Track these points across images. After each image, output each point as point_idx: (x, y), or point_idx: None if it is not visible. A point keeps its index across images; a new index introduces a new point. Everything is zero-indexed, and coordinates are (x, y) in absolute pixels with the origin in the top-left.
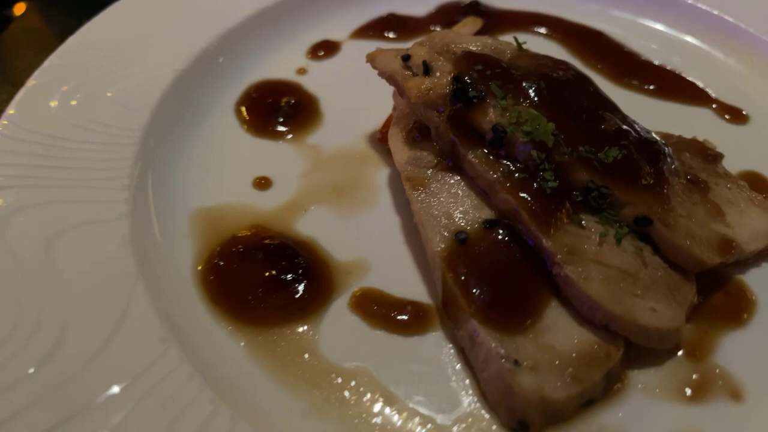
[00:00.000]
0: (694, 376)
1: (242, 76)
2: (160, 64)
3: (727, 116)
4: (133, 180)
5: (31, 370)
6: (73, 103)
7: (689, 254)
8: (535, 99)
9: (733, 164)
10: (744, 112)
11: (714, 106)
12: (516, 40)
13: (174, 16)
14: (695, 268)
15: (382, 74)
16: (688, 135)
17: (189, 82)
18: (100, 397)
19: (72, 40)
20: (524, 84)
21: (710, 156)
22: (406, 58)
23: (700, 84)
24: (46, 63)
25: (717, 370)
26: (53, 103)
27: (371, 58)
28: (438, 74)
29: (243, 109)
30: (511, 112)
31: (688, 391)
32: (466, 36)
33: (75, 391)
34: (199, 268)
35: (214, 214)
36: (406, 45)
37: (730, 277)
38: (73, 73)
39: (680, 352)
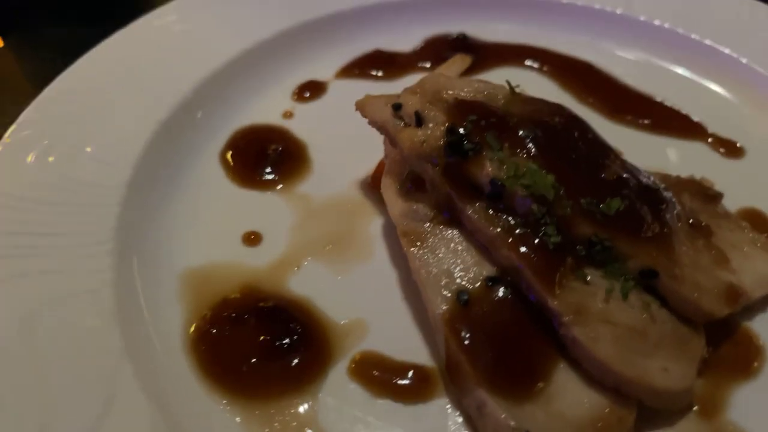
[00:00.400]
0: None
1: (226, 123)
2: (140, 115)
3: (722, 149)
4: (117, 244)
5: None
6: (50, 159)
7: (697, 306)
8: (533, 149)
9: (731, 201)
10: (739, 145)
11: (710, 140)
12: (509, 83)
13: (153, 64)
14: (703, 320)
15: (372, 123)
16: (684, 171)
17: (171, 133)
18: None
19: (47, 92)
20: (520, 133)
21: (709, 196)
22: (397, 107)
23: (695, 117)
24: (21, 117)
25: (730, 427)
26: (29, 160)
27: (360, 107)
28: (431, 125)
29: (229, 158)
30: (508, 165)
31: None
32: (457, 80)
33: None
34: (190, 332)
35: (203, 275)
36: (394, 84)
37: (736, 324)
38: (49, 127)
39: (692, 410)
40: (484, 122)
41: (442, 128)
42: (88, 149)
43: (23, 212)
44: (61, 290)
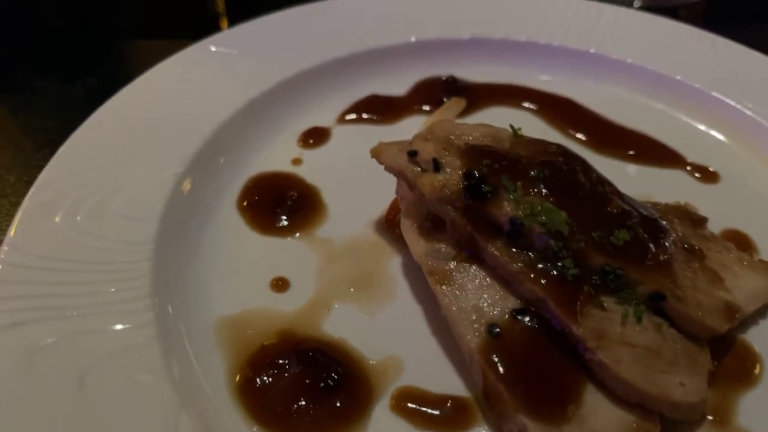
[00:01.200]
0: None
1: (240, 172)
2: (158, 169)
3: (698, 175)
4: (154, 298)
5: None
6: (78, 218)
7: (702, 324)
8: (544, 189)
9: (713, 223)
10: (713, 170)
11: (688, 168)
12: (512, 127)
13: (164, 117)
14: (707, 336)
15: (389, 170)
16: (667, 198)
17: (190, 184)
18: None
19: (64, 151)
20: (531, 174)
21: (696, 220)
22: (412, 153)
23: (672, 147)
24: (41, 178)
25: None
26: (57, 220)
27: (376, 154)
28: (448, 170)
29: (246, 206)
30: (524, 204)
31: None
32: (463, 126)
33: None
34: (237, 381)
35: (239, 323)
36: (392, 127)
37: (734, 338)
38: (71, 186)
39: (707, 419)
40: (497, 165)
41: (459, 173)
42: (114, 206)
43: (58, 273)
44: (107, 348)
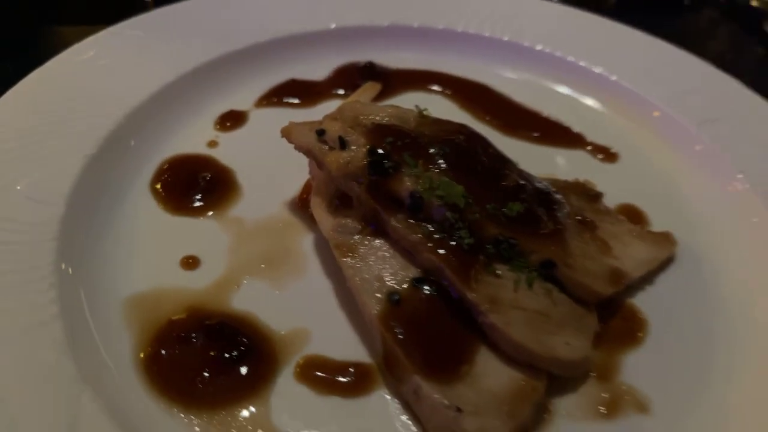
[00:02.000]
0: (605, 396)
1: (153, 155)
2: (68, 152)
3: (600, 155)
4: (58, 277)
5: None
6: None
7: (589, 289)
8: (444, 165)
9: (610, 199)
10: (613, 151)
11: (589, 147)
12: (417, 107)
13: (76, 99)
14: (594, 300)
15: (298, 148)
16: (570, 175)
17: (100, 166)
18: None
19: None
20: (432, 151)
21: (592, 196)
22: (320, 132)
23: (576, 129)
24: None
25: (624, 387)
26: None
27: (286, 133)
28: (353, 147)
29: (159, 188)
30: (424, 179)
31: (603, 410)
32: (372, 107)
33: None
34: (141, 358)
35: (147, 301)
36: (311, 111)
37: (622, 302)
38: None
39: (591, 375)
40: (400, 143)
41: (364, 150)
42: (19, 188)
43: None
44: (10, 326)
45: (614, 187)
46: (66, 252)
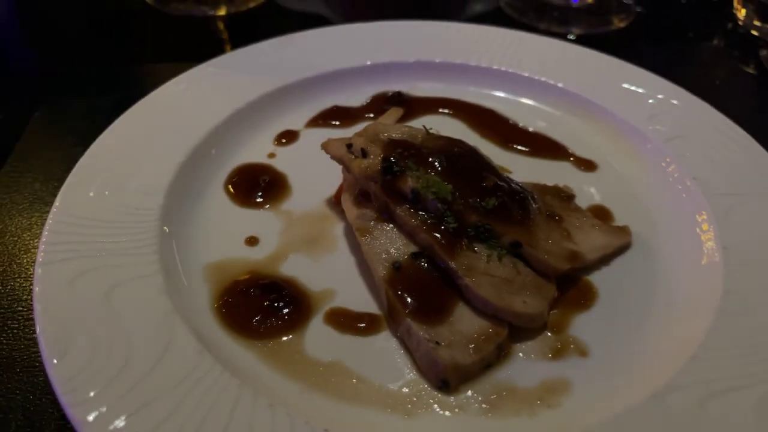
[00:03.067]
0: (556, 344)
1: (227, 162)
2: (165, 159)
3: (582, 167)
4: (159, 246)
5: (103, 386)
6: (106, 193)
7: (547, 264)
8: (438, 169)
9: (586, 201)
10: (593, 162)
11: (571, 159)
12: (424, 127)
13: (170, 121)
14: (553, 274)
15: (333, 158)
16: (552, 182)
17: (188, 171)
18: (159, 397)
19: (96, 145)
20: (430, 159)
21: (565, 197)
22: (349, 146)
23: (561, 143)
24: (79, 163)
25: (570, 338)
26: (91, 194)
27: (324, 147)
28: (372, 156)
29: (230, 187)
30: (422, 179)
31: (550, 354)
32: (389, 126)
33: (141, 394)
34: (215, 305)
35: (220, 266)
36: (348, 130)
37: (580, 278)
38: (101, 170)
39: (547, 330)
40: (406, 153)
41: (380, 158)
42: (132, 184)
43: (93, 228)
44: (126, 276)
45: (590, 191)
46: (164, 228)
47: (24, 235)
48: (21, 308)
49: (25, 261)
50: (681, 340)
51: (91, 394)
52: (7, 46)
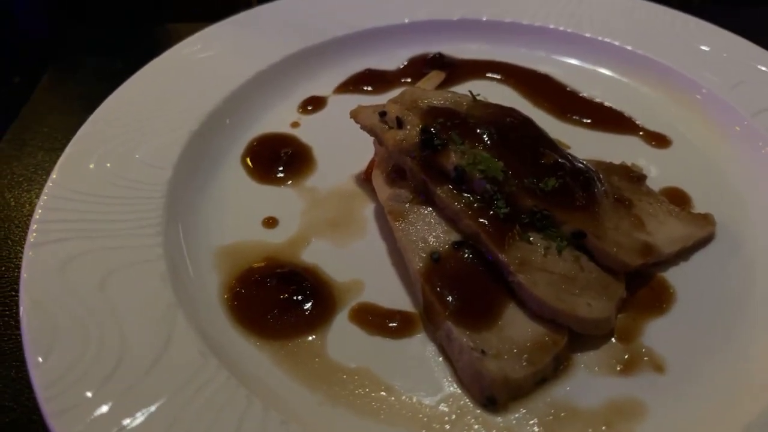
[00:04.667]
0: (625, 356)
1: (245, 132)
2: (176, 128)
3: (653, 142)
4: (164, 227)
5: (92, 391)
6: (108, 165)
7: (616, 259)
8: (487, 142)
9: (659, 182)
10: (667, 137)
11: (641, 133)
12: (471, 93)
13: (184, 85)
14: (623, 270)
15: (363, 128)
16: (618, 160)
17: (201, 141)
18: (155, 403)
19: (99, 111)
20: (478, 131)
21: (635, 177)
22: (382, 114)
23: (629, 115)
24: (80, 132)
25: (643, 350)
26: (91, 166)
27: (354, 115)
28: (409, 127)
29: (248, 160)
30: (468, 155)
31: (619, 367)
32: (430, 92)
33: (134, 400)
34: (225, 296)
35: (233, 251)
36: (382, 97)
37: (654, 275)
38: (104, 139)
39: (614, 337)
40: (449, 123)
41: (417, 129)
42: (137, 156)
43: (91, 205)
44: (125, 260)
45: (663, 171)
46: (171, 207)
47: (23, 209)
48: (14, 293)
49: (21, 239)
50: None
51: (76, 402)
52: (18, 6)
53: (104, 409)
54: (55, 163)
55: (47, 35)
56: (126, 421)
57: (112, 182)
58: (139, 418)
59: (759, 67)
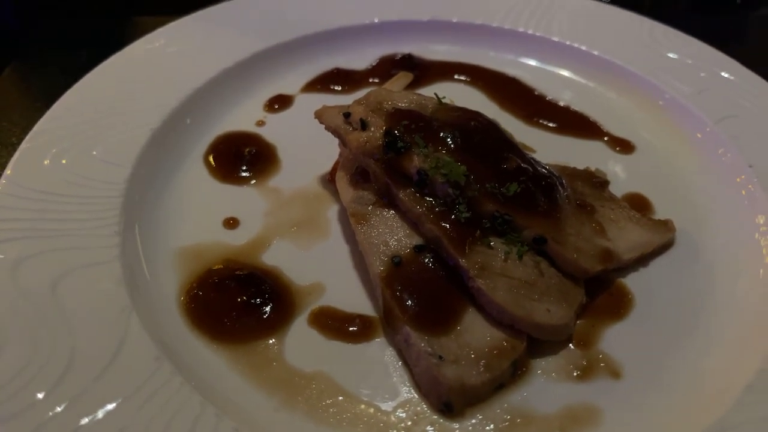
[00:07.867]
0: (582, 362)
1: (208, 130)
2: (136, 124)
3: (618, 148)
4: (121, 227)
5: (41, 395)
6: (64, 162)
7: (576, 265)
8: (451, 146)
9: (621, 188)
10: (631, 143)
11: (605, 138)
12: (436, 95)
13: (146, 81)
14: (583, 276)
15: (327, 128)
16: (583, 165)
17: (163, 138)
18: (106, 409)
19: (57, 106)
20: (441, 134)
21: (598, 183)
22: (347, 115)
23: (594, 119)
24: (37, 127)
25: (601, 356)
26: (46, 162)
27: (318, 115)
28: (373, 129)
29: (210, 159)
30: (431, 158)
31: (576, 373)
32: (396, 93)
33: (84, 406)
34: (182, 298)
35: (192, 252)
36: (350, 96)
37: (613, 280)
38: (61, 135)
39: (572, 343)
40: (413, 126)
41: (381, 131)
42: (95, 153)
43: (45, 203)
44: (78, 262)
45: (626, 176)
46: (128, 206)
47: None
48: None
49: None
50: (734, 362)
51: (21, 409)
52: None
53: (52, 413)
54: (10, 158)
55: (18, 27)
56: (73, 427)
57: (68, 180)
58: (88, 424)
59: (723, 74)
